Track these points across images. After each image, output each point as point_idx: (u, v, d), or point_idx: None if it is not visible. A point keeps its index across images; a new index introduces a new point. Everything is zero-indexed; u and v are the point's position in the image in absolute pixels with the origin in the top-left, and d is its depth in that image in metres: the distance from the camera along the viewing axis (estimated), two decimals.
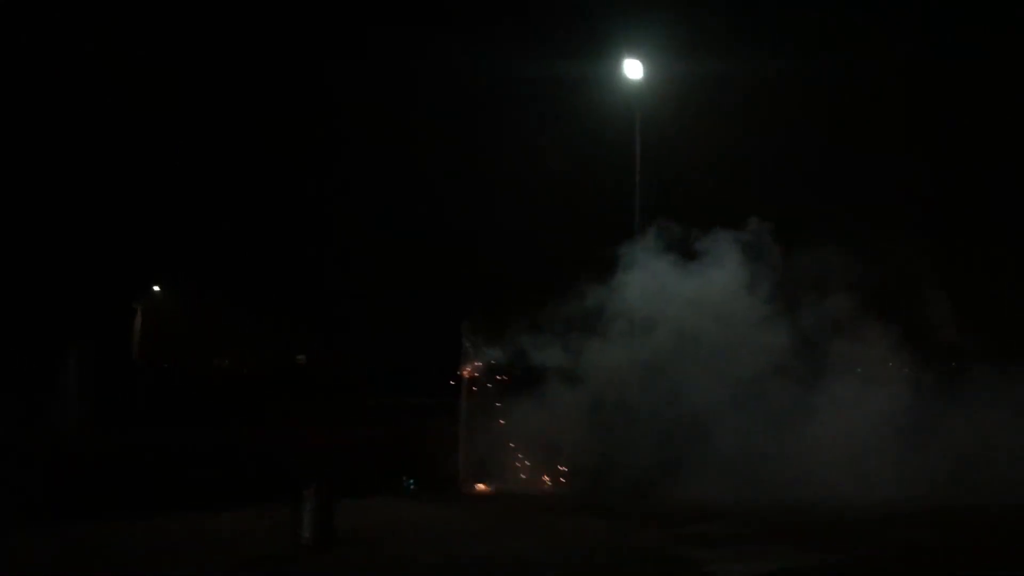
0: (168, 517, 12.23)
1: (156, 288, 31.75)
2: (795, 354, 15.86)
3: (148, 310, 30.32)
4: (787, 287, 16.41)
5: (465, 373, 16.09)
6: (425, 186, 27.78)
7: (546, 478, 16.04)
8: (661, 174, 20.04)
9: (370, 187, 28.56)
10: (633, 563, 10.48)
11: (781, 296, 16.33)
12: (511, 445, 15.78)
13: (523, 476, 15.85)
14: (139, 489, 12.99)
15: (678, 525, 12.41)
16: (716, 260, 16.73)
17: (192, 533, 11.59)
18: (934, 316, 17.27)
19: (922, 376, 16.42)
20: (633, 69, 20.09)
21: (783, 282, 16.42)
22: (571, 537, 11.84)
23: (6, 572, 9.66)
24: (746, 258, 16.58)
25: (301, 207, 30.49)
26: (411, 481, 15.47)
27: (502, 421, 15.92)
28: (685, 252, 16.75)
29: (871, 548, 11.00)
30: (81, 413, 14.84)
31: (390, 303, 26.03)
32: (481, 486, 15.58)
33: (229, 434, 15.85)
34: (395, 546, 11.08)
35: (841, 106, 22.43)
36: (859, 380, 15.94)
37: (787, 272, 16.47)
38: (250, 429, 16.37)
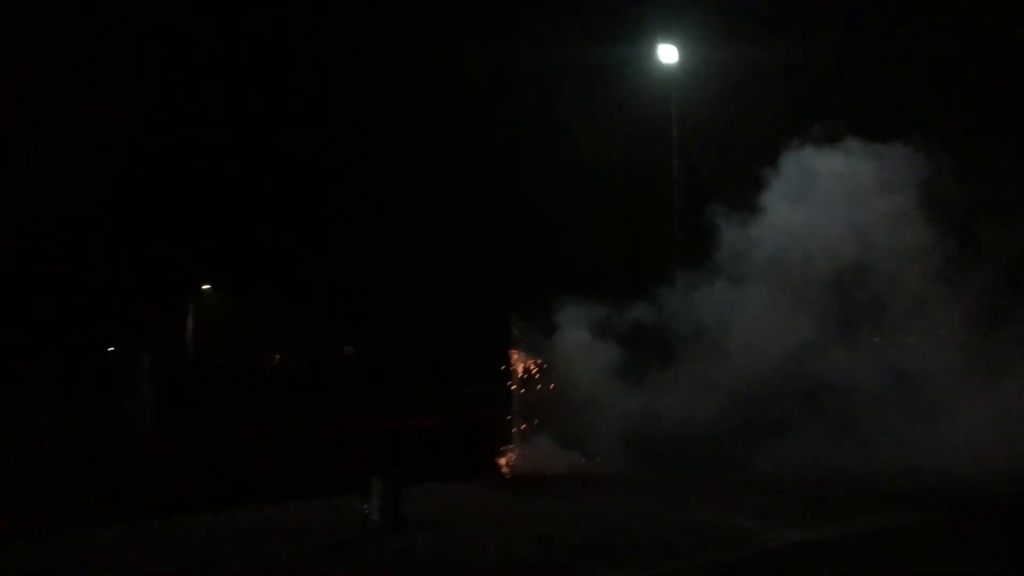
0: (243, 510, 12.80)
1: (206, 287, 32.38)
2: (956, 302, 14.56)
3: (199, 309, 31.02)
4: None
5: (515, 358, 16.36)
6: (464, 175, 28.24)
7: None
8: (699, 159, 20.22)
9: (414, 179, 29.08)
10: (687, 536, 10.86)
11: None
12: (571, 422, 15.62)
13: (583, 457, 15.96)
14: (212, 485, 13.57)
15: (739, 497, 12.97)
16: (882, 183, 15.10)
17: (269, 524, 12.15)
18: None
19: None
20: (668, 54, 20.33)
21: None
22: (625, 513, 12.30)
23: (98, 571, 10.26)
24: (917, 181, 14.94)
25: (344, 200, 31.12)
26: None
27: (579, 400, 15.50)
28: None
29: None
30: (152, 414, 15.40)
31: (438, 293, 26.49)
32: (537, 468, 15.86)
33: (287, 428, 16.28)
34: (460, 528, 11.61)
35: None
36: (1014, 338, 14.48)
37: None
38: (305, 423, 16.78)
